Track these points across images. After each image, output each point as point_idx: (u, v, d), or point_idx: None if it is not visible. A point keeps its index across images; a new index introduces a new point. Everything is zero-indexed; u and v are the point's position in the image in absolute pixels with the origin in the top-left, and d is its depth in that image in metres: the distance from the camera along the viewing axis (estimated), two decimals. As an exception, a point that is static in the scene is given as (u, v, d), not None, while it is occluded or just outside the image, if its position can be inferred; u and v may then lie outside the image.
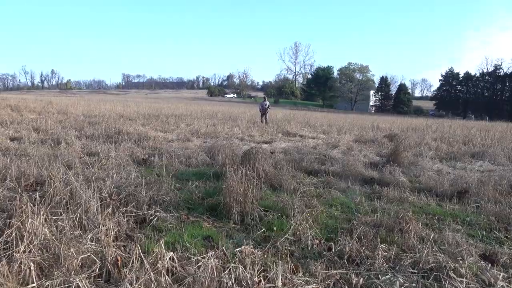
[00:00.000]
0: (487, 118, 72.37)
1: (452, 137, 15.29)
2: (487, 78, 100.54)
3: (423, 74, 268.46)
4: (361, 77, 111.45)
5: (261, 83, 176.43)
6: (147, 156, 8.58)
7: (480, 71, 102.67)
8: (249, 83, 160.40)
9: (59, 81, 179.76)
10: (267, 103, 21.85)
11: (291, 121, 21.47)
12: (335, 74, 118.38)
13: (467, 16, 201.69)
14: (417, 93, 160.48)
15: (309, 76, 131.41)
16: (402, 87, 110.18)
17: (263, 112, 21.71)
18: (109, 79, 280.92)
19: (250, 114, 28.94)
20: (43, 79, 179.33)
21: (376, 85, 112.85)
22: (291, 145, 11.93)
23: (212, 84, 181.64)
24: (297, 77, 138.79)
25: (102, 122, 15.56)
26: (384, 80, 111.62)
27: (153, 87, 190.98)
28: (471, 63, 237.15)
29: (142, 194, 4.98)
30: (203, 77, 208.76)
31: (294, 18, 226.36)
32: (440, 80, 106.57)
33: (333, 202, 5.66)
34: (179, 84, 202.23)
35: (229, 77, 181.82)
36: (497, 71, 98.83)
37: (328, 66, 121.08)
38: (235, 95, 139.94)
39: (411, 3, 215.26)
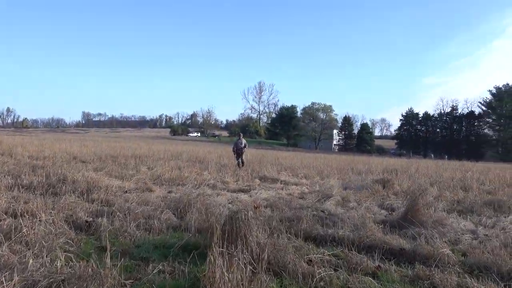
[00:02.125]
0: (446, 157, 73.93)
1: (445, 181, 13.85)
2: (445, 118, 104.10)
3: (381, 114, 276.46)
4: (324, 116, 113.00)
5: (225, 122, 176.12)
6: (91, 218, 6.36)
7: (438, 111, 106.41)
8: (213, 122, 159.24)
9: (15, 120, 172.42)
10: (243, 141, 18.08)
11: (265, 163, 19.56)
12: (299, 113, 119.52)
13: (423, 62, 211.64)
14: (377, 132, 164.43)
15: (273, 115, 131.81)
16: (364, 127, 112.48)
17: (239, 152, 17.82)
18: (69, 117, 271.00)
19: (217, 155, 26.96)
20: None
21: (339, 124, 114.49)
22: (274, 195, 10.00)
23: (175, 123, 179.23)
24: (261, 116, 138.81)
25: (47, 166, 13.12)
26: (347, 120, 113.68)
27: (114, 125, 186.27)
28: (427, 104, 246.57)
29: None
30: (166, 116, 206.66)
31: (258, 57, 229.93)
32: (400, 119, 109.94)
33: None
34: (142, 123, 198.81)
35: (193, 115, 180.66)
36: (454, 111, 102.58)
37: (292, 105, 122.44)
38: (199, 134, 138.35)
39: (366, 49, 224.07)
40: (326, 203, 8.72)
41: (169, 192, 9.92)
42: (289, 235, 5.55)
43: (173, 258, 4.63)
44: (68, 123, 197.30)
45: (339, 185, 12.04)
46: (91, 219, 6.23)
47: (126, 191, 9.55)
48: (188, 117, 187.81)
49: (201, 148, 42.35)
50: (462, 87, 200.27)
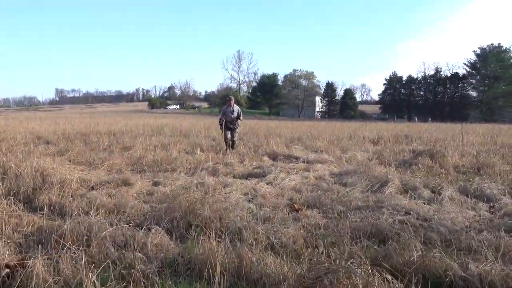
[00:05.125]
0: (430, 119, 72.74)
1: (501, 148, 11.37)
2: (429, 81, 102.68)
3: (361, 80, 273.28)
4: (306, 83, 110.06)
5: (204, 93, 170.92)
6: (15, 262, 3.45)
7: (421, 74, 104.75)
8: (191, 94, 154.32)
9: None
10: (236, 108, 12.22)
11: (264, 135, 16.68)
12: (280, 81, 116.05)
13: (402, 23, 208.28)
14: (358, 98, 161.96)
15: (254, 84, 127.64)
16: (347, 92, 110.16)
17: (231, 126, 12.04)
18: (41, 95, 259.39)
19: (204, 127, 23.98)
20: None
21: (322, 91, 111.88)
22: (302, 181, 7.25)
23: (153, 96, 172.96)
24: (241, 85, 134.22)
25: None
26: (330, 86, 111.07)
27: (90, 101, 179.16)
28: (406, 68, 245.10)
29: None
30: (143, 89, 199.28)
31: (235, 26, 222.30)
32: (384, 83, 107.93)
33: None
34: (118, 98, 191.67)
35: (171, 88, 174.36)
36: (438, 74, 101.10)
37: (273, 73, 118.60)
38: (178, 106, 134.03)
39: (347, 14, 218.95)
40: (385, 192, 6.03)
41: (155, 184, 7.06)
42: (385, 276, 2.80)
43: None
44: (41, 101, 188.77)
45: (365, 157, 9.36)
46: (15, 262, 3.33)
47: (93, 186, 6.65)
48: (166, 90, 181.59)
49: (183, 121, 39.15)
50: (441, 51, 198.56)
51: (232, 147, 12.05)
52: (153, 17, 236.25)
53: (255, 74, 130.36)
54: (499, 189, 6.25)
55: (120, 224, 4.32)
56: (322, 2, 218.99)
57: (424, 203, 5.28)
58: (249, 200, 5.75)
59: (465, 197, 5.88)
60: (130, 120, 37.90)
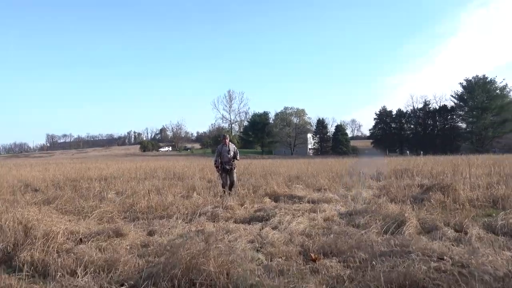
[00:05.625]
0: (422, 152, 72.87)
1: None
2: (418, 114, 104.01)
3: (351, 115, 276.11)
4: (298, 120, 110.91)
5: (195, 134, 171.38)
6: None
7: (410, 108, 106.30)
8: (183, 135, 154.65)
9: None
10: (232, 147, 11.39)
11: (262, 175, 16.12)
12: (272, 119, 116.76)
13: (389, 58, 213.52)
14: (349, 134, 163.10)
15: (245, 123, 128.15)
16: (339, 128, 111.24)
17: (229, 166, 11.10)
18: (32, 141, 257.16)
19: (198, 168, 23.42)
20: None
21: (313, 128, 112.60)
22: (310, 224, 6.67)
23: (144, 138, 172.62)
24: (233, 125, 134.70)
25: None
26: (321, 123, 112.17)
27: (81, 146, 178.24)
28: (395, 102, 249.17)
29: None
30: (134, 132, 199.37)
31: (226, 66, 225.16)
32: (374, 118, 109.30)
33: None
34: (110, 141, 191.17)
35: (162, 130, 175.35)
36: (427, 107, 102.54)
37: (264, 111, 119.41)
38: (170, 148, 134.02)
39: (334, 48, 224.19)
40: (404, 232, 5.48)
41: (150, 233, 6.44)
42: None
43: None
44: (32, 147, 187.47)
45: (370, 195, 8.86)
46: None
47: (81, 238, 6.02)
48: (158, 132, 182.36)
49: (176, 163, 38.48)
50: (426, 84, 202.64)
51: (231, 188, 11.04)
52: (141, 62, 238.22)
53: (246, 113, 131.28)
54: (526, 224, 5.74)
55: (112, 286, 3.71)
56: (308, 40, 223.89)
57: (453, 245, 4.71)
58: (257, 250, 5.13)
59: (493, 234, 5.36)
60: (122, 164, 37.21)
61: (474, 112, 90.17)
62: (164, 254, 4.74)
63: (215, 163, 11.29)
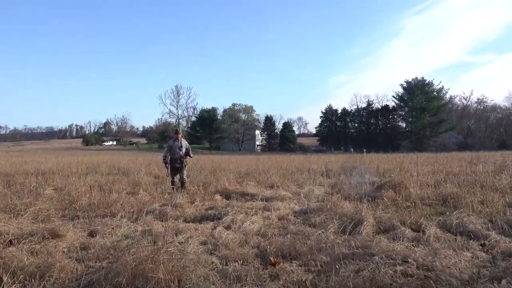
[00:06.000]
0: (365, 150, 75.54)
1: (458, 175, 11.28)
2: (361, 113, 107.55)
3: (297, 113, 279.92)
4: (246, 117, 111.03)
5: (141, 129, 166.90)
6: None
7: (354, 107, 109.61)
8: (128, 129, 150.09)
9: None
10: (184, 143, 10.81)
11: (211, 171, 15.66)
12: (220, 115, 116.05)
13: (335, 58, 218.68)
14: (295, 131, 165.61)
15: (193, 119, 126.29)
16: (286, 125, 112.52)
17: (179, 164, 10.62)
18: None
19: (144, 164, 22.54)
20: None
21: (261, 125, 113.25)
22: (264, 222, 6.39)
23: (87, 132, 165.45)
24: (180, 120, 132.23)
25: None
26: (269, 120, 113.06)
27: (18, 139, 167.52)
28: (339, 101, 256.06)
29: None
30: (76, 126, 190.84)
31: (172, 59, 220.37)
32: (320, 116, 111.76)
33: None
34: (49, 134, 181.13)
35: (106, 124, 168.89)
36: (370, 106, 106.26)
37: (212, 107, 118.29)
38: (115, 143, 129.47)
39: (281, 47, 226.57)
40: (361, 232, 5.35)
41: (91, 234, 5.87)
42: None
43: None
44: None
45: (322, 192, 8.78)
46: None
47: (11, 240, 5.36)
48: (102, 126, 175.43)
49: (121, 158, 37.09)
50: (369, 84, 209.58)
51: (182, 186, 10.49)
52: (84, 49, 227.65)
53: (194, 108, 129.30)
54: (480, 223, 5.80)
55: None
56: (257, 38, 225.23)
57: (413, 245, 4.60)
58: (210, 252, 4.75)
59: (449, 234, 5.34)
60: (63, 158, 35.28)
61: (414, 113, 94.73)
62: (106, 258, 4.28)
63: (163, 159, 10.64)
